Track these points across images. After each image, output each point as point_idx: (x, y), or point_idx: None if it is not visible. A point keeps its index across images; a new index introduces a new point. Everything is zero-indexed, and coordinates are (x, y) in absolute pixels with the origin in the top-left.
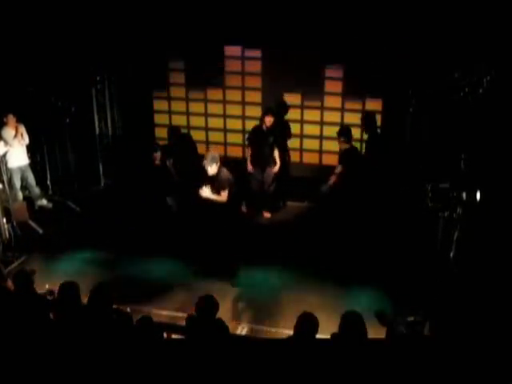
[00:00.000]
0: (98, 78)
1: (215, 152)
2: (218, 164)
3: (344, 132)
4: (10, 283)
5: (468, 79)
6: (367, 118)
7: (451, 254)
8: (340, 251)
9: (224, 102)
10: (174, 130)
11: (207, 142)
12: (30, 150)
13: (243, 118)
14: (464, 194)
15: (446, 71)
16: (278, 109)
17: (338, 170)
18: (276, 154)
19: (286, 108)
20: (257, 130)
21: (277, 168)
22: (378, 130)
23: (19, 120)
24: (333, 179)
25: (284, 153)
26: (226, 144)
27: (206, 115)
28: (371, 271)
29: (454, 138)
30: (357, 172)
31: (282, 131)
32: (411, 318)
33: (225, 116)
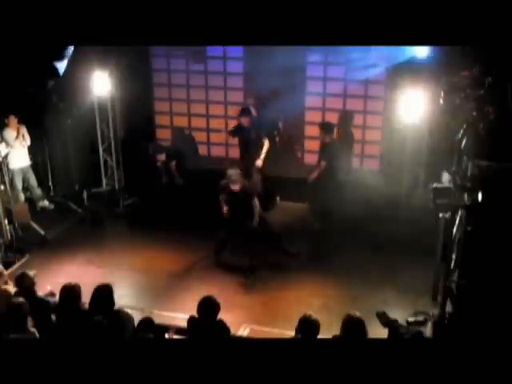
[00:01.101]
0: None
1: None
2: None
3: (329, 128)
4: (11, 285)
5: (469, 79)
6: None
7: (453, 256)
8: (341, 252)
9: (225, 103)
10: (179, 132)
11: (208, 143)
12: (32, 151)
13: None
14: (466, 195)
15: (446, 71)
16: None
17: (323, 164)
18: (264, 148)
19: (247, 111)
20: (238, 127)
21: (259, 161)
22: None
23: (21, 121)
24: (314, 175)
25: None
26: (227, 145)
27: (208, 116)
28: (372, 272)
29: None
30: (337, 165)
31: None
32: (412, 319)
33: (226, 117)
